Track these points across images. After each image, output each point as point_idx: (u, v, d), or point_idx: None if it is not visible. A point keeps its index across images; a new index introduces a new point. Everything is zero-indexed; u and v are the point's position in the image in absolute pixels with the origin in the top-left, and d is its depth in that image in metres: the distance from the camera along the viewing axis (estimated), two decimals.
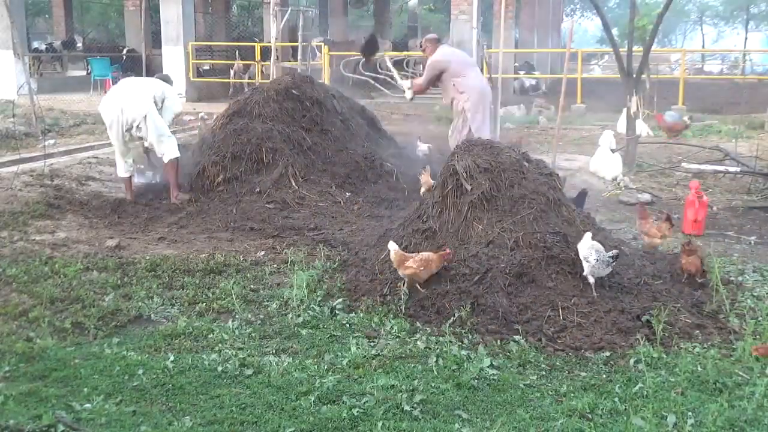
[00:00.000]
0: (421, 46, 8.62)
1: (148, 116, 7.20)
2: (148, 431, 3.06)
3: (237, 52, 19.16)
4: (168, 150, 7.34)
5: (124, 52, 21.28)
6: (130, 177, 7.51)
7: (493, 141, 5.44)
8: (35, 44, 25.87)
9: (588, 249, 4.34)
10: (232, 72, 18.46)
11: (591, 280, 4.35)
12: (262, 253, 5.73)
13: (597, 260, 4.29)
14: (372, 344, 3.97)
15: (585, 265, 4.36)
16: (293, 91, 8.14)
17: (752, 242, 6.23)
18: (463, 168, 4.93)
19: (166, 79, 7.88)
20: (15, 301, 4.49)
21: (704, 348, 3.93)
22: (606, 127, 10.05)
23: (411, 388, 3.43)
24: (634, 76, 9.75)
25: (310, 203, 7.07)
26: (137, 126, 7.20)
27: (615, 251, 4.39)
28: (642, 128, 10.91)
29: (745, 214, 7.21)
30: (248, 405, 3.29)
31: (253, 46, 18.69)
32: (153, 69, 15.34)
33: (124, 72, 19.85)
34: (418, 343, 3.98)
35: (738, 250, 5.93)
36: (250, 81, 17.64)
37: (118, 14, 30.71)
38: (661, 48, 35.88)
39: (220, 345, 3.94)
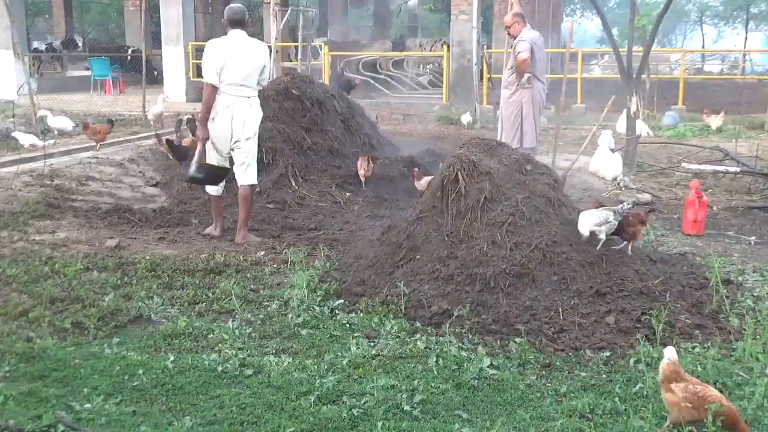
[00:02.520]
0: (506, 29, 7.89)
1: (254, 136, 5.98)
2: (148, 431, 3.06)
3: None
4: (251, 174, 6.03)
5: (129, 52, 21.27)
6: (221, 197, 6.22)
7: (494, 141, 5.43)
8: (35, 44, 25.86)
9: (599, 217, 4.62)
10: None
11: (603, 237, 4.62)
12: (262, 253, 5.73)
13: (613, 218, 4.62)
14: (372, 344, 3.97)
15: (602, 228, 4.61)
16: (293, 91, 8.14)
17: (752, 242, 6.23)
18: (462, 169, 4.93)
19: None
20: (15, 301, 4.49)
21: (704, 348, 3.93)
22: (605, 127, 10.05)
23: (411, 388, 3.43)
24: (634, 76, 9.75)
25: (310, 203, 7.08)
26: (238, 145, 5.90)
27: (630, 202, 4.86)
28: (642, 128, 10.90)
29: (745, 214, 7.20)
30: (248, 405, 3.29)
31: None
32: (153, 69, 15.33)
33: (126, 72, 19.87)
34: (418, 343, 3.98)
35: (738, 250, 5.93)
36: None
37: (118, 14, 30.73)
38: (661, 48, 35.90)
39: (220, 345, 3.94)
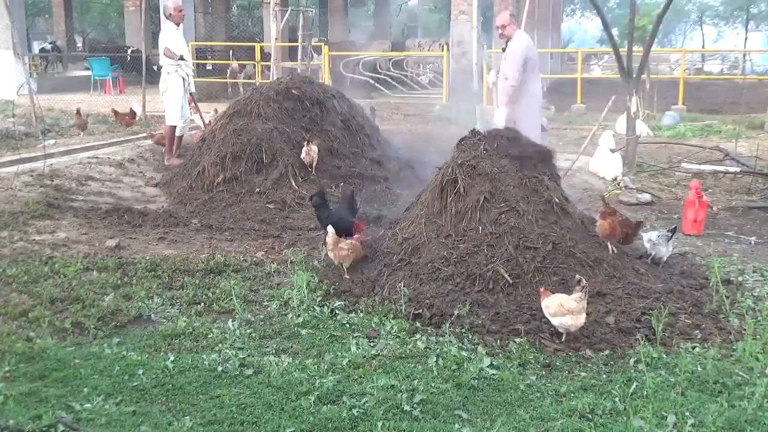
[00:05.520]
0: (498, 29, 7.64)
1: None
2: (148, 431, 3.06)
3: (231, 52, 19.19)
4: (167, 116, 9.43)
5: (129, 52, 21.33)
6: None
7: (494, 140, 5.39)
8: (35, 44, 25.91)
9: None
10: (228, 72, 18.52)
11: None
12: (262, 253, 5.73)
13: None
14: (372, 344, 3.97)
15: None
16: (293, 91, 8.14)
17: (752, 242, 6.23)
18: (461, 170, 4.93)
19: None
20: (15, 301, 4.49)
21: (704, 348, 3.93)
22: (605, 127, 10.05)
23: (411, 388, 3.43)
24: (634, 76, 9.74)
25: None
26: None
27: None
28: (642, 128, 10.90)
29: (745, 214, 7.21)
30: (248, 405, 3.29)
31: (251, 46, 18.74)
32: (153, 69, 15.34)
33: (127, 72, 19.89)
34: (418, 343, 3.97)
35: (738, 250, 5.93)
36: (246, 81, 17.68)
37: (118, 14, 30.76)
38: (661, 48, 35.87)
39: (220, 345, 3.94)
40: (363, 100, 11.71)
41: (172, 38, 8.99)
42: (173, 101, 9.12)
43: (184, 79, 9.08)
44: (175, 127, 9.17)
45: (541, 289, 4.10)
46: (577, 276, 4.03)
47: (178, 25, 9.09)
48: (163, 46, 8.97)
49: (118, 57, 20.71)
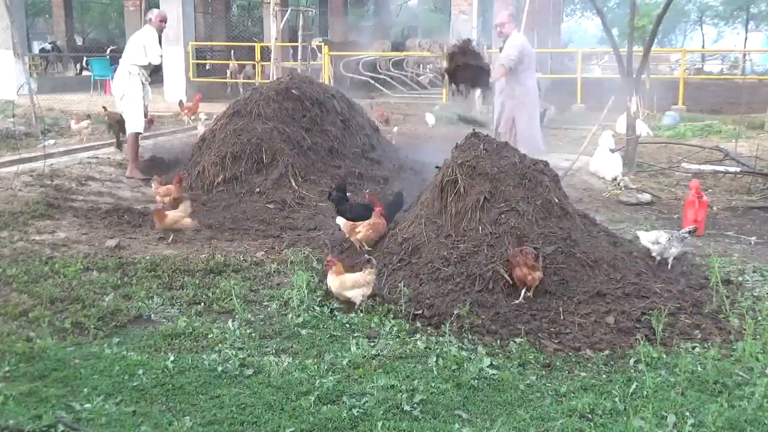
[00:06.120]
0: (497, 27, 8.22)
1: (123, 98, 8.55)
2: (148, 431, 3.06)
3: (232, 51, 19.22)
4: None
5: (108, 51, 21.48)
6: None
7: (494, 140, 5.40)
8: (35, 44, 25.98)
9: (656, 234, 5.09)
10: (228, 72, 18.56)
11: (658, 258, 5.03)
12: (262, 253, 5.73)
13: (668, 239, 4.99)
14: (372, 344, 3.97)
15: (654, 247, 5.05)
16: (293, 91, 8.14)
17: (752, 242, 6.23)
18: (461, 170, 4.93)
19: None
20: (15, 301, 4.49)
21: (704, 348, 3.93)
22: (605, 127, 10.04)
23: (411, 388, 3.43)
24: (634, 76, 9.75)
25: (310, 203, 7.08)
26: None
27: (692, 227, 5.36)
28: (642, 128, 10.90)
29: (745, 214, 7.21)
30: (248, 405, 3.29)
31: (250, 46, 18.81)
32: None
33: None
34: (418, 343, 3.98)
35: (738, 250, 5.93)
36: (245, 81, 17.70)
37: (118, 14, 30.77)
38: (661, 48, 35.85)
39: (220, 345, 3.94)
40: (363, 100, 11.72)
41: (153, 41, 8.35)
42: (135, 107, 8.43)
43: (143, 84, 8.47)
44: (138, 134, 8.52)
45: (330, 258, 4.66)
46: (366, 256, 4.71)
47: (159, 33, 8.49)
48: (139, 45, 8.31)
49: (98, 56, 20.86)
